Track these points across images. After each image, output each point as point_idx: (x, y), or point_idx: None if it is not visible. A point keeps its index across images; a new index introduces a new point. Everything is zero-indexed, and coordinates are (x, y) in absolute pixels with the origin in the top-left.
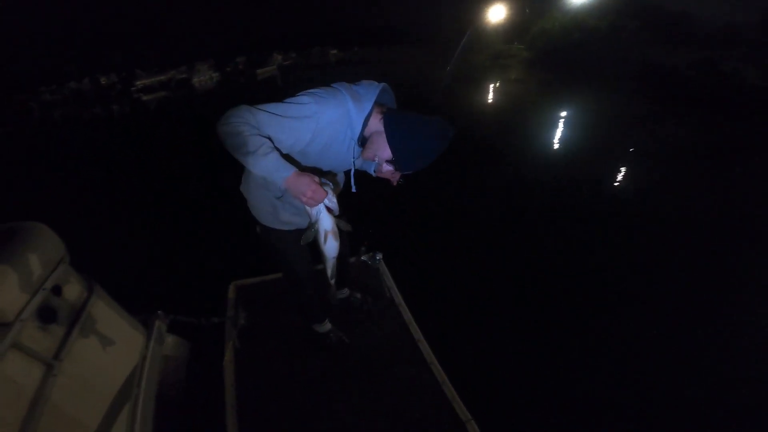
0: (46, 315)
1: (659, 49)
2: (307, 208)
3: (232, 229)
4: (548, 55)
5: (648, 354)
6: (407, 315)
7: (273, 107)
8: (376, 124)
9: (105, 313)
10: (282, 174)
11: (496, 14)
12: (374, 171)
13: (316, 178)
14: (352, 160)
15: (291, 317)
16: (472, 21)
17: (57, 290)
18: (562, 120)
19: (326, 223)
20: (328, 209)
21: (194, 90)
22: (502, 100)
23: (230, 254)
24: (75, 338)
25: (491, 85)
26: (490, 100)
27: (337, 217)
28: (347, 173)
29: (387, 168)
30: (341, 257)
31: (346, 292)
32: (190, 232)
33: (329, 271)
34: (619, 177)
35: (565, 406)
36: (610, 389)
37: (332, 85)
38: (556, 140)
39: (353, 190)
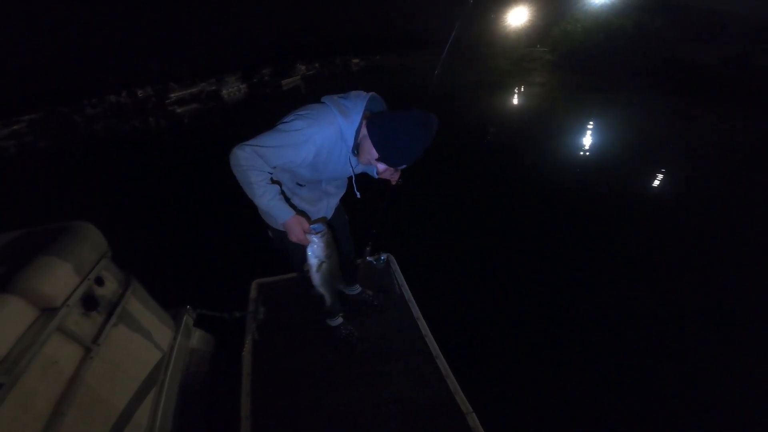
0: (89, 303)
1: (689, 47)
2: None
3: (256, 231)
4: (572, 57)
5: (645, 356)
6: (416, 311)
7: (272, 139)
8: (363, 130)
9: (139, 304)
10: (281, 218)
11: (517, 18)
12: (376, 174)
13: (306, 224)
14: (351, 168)
15: (306, 313)
16: (457, 20)
17: (99, 281)
18: (588, 120)
19: (311, 260)
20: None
21: (223, 101)
22: (525, 102)
23: (254, 254)
24: (112, 326)
25: (514, 89)
26: (512, 103)
27: (323, 261)
28: (350, 180)
29: (382, 167)
30: (347, 257)
31: (357, 288)
32: (218, 233)
33: (319, 292)
34: (651, 177)
35: (562, 404)
36: (606, 392)
37: (322, 99)
38: (581, 141)
39: (357, 196)
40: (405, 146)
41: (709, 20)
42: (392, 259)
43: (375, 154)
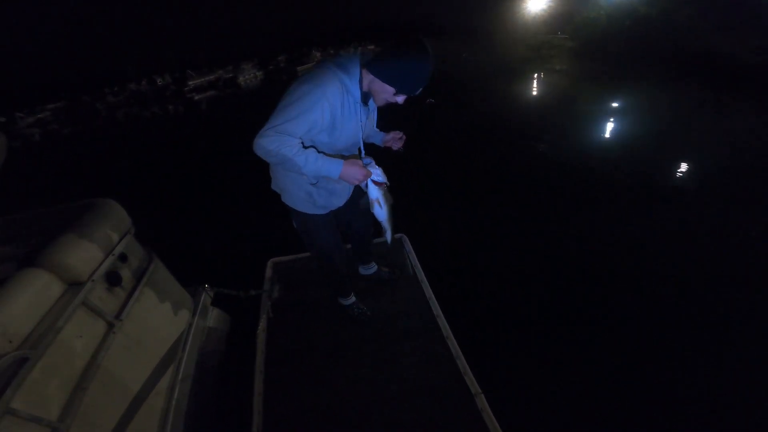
0: (113, 278)
1: (720, 37)
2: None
3: (272, 211)
4: (594, 45)
5: (655, 347)
6: (428, 291)
7: (287, 113)
8: (367, 77)
9: (160, 282)
10: (336, 172)
11: (537, 4)
12: (381, 142)
13: (360, 162)
14: (360, 123)
15: (319, 291)
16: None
17: (123, 258)
18: (608, 109)
19: (373, 193)
20: (376, 183)
21: (240, 88)
22: (543, 89)
23: (269, 234)
24: (134, 302)
25: (532, 75)
26: (529, 90)
27: (386, 186)
28: (358, 142)
29: (400, 99)
30: (366, 235)
31: (373, 267)
32: (234, 213)
33: (385, 228)
34: (672, 171)
35: (570, 388)
36: (615, 378)
37: (319, 65)
38: (600, 130)
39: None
40: (415, 70)
41: (742, 10)
42: (405, 239)
43: (390, 90)
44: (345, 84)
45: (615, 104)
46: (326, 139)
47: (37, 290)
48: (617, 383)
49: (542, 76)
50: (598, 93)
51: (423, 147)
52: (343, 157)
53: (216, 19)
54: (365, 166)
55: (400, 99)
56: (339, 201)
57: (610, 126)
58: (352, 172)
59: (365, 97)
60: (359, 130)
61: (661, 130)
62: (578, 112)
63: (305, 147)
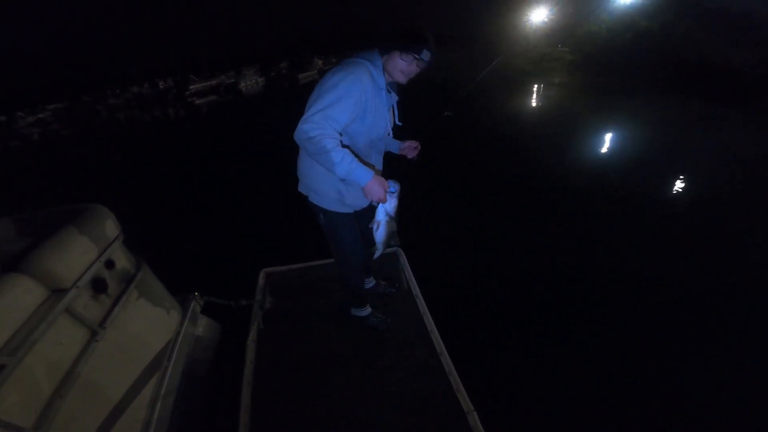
0: (99, 285)
1: (719, 49)
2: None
3: (266, 220)
4: (595, 58)
5: (649, 357)
6: (422, 306)
7: (329, 98)
8: (385, 58)
9: (148, 289)
10: (363, 180)
11: (538, 16)
12: (398, 149)
13: (386, 184)
14: (388, 111)
15: (312, 303)
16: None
17: (110, 264)
18: (607, 122)
19: (380, 215)
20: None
21: (241, 94)
22: (543, 102)
23: (263, 244)
24: (119, 309)
25: (532, 88)
26: (529, 102)
27: (391, 217)
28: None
29: (413, 66)
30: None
31: (372, 281)
32: (228, 222)
33: (377, 250)
34: (670, 183)
35: (563, 406)
36: (609, 396)
37: (345, 61)
38: (599, 142)
39: (398, 123)
40: (414, 30)
41: (741, 23)
42: (401, 252)
43: (397, 53)
44: (372, 73)
45: (615, 115)
46: (361, 128)
47: (17, 296)
48: (617, 389)
49: (542, 88)
50: (598, 105)
51: (430, 155)
52: (375, 170)
53: (219, 22)
54: (389, 190)
55: (413, 67)
56: (365, 201)
57: (610, 136)
58: (376, 188)
59: (388, 86)
60: (387, 119)
61: (661, 140)
62: (578, 123)
63: (343, 145)
